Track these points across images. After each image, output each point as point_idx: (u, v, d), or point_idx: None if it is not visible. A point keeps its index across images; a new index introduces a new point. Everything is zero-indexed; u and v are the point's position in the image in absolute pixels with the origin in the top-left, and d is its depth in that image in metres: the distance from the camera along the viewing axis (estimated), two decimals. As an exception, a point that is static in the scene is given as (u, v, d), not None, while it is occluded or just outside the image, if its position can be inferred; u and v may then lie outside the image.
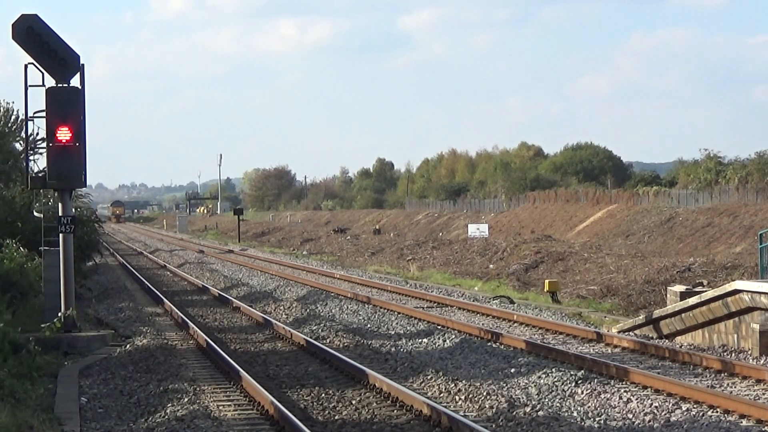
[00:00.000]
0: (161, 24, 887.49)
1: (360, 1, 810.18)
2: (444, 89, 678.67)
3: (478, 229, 72.48)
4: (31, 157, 33.73)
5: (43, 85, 24.52)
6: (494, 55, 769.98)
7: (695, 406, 16.48)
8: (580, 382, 18.20)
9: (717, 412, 16.10)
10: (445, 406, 16.75)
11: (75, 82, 24.73)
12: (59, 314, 24.47)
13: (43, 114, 24.58)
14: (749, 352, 21.68)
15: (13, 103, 40.01)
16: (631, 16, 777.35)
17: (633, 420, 15.62)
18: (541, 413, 16.04)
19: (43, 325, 23.42)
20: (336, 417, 16.61)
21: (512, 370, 19.85)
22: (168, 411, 16.77)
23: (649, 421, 15.46)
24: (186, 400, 17.50)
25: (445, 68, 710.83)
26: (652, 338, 24.43)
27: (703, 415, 15.79)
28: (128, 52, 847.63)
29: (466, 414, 16.55)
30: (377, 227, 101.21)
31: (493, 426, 15.66)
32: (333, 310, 31.80)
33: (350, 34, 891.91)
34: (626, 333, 25.23)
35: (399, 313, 30.56)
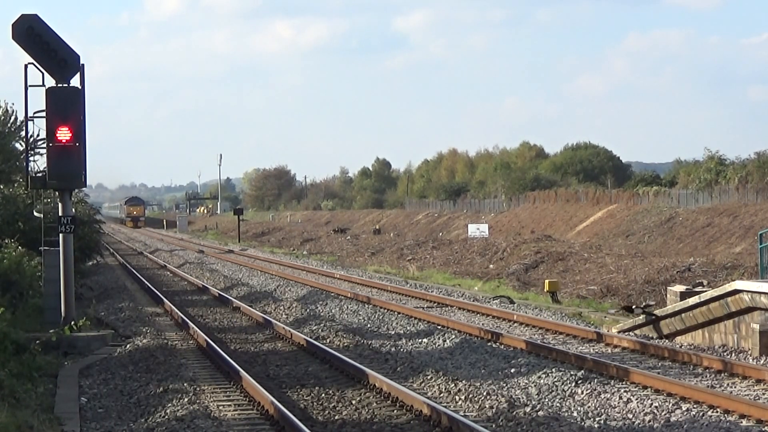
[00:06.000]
0: (157, 25, 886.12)
1: (356, 2, 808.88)
2: (442, 89, 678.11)
3: (478, 229, 72.50)
4: (31, 157, 33.73)
5: (43, 85, 24.53)
6: (491, 56, 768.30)
7: (695, 406, 16.48)
8: (580, 382, 18.20)
9: (717, 412, 16.10)
10: (445, 406, 16.75)
11: (75, 82, 24.76)
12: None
13: (43, 114, 24.59)
14: (749, 352, 21.69)
15: (13, 104, 40.03)
16: (626, 17, 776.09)
17: (633, 420, 15.62)
18: (541, 413, 16.04)
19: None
20: (336, 417, 16.62)
21: (512, 370, 19.85)
22: (168, 411, 16.77)
23: (649, 421, 15.46)
24: (186, 400, 17.50)
25: (442, 68, 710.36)
26: (652, 338, 24.44)
27: (703, 415, 15.79)
28: (126, 53, 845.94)
29: (466, 414, 16.55)
30: (377, 227, 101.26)
31: (493, 426, 15.66)
32: (333, 310, 31.80)
33: (347, 35, 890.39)
34: (626, 333, 25.23)
35: (399, 313, 30.56)
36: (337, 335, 25.72)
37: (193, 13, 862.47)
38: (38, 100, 24.74)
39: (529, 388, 18.34)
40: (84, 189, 38.01)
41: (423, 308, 31.91)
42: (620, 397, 16.94)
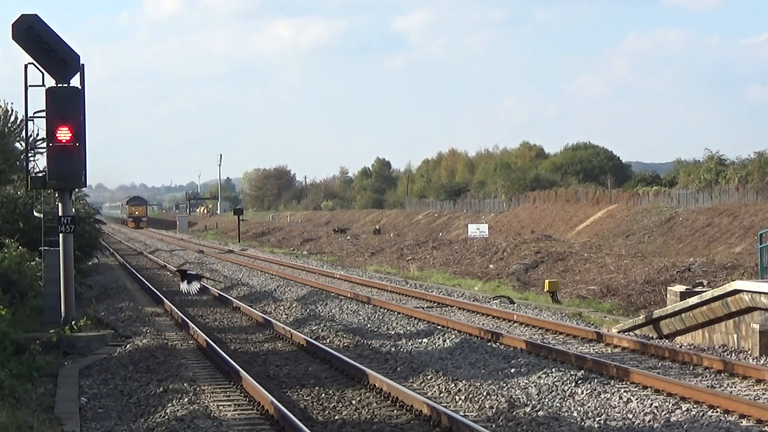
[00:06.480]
0: (156, 25, 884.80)
1: (356, 2, 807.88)
2: (441, 89, 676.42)
3: (478, 229, 72.53)
4: (31, 157, 33.76)
5: (43, 85, 24.54)
6: (491, 56, 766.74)
7: (695, 406, 16.48)
8: (580, 382, 18.20)
9: (717, 412, 16.10)
10: (445, 406, 16.75)
11: (75, 82, 24.76)
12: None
13: (43, 114, 24.60)
14: (749, 352, 21.69)
15: (13, 104, 40.08)
16: (626, 17, 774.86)
17: (633, 420, 15.62)
18: (541, 413, 16.04)
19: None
20: (336, 417, 16.62)
21: (512, 370, 19.85)
22: (168, 411, 16.77)
23: (649, 421, 15.46)
24: (186, 400, 17.50)
25: (442, 69, 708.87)
26: (652, 338, 24.44)
27: (703, 415, 15.80)
28: (125, 53, 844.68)
29: (466, 414, 16.55)
30: (377, 227, 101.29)
31: (493, 426, 15.66)
32: (333, 310, 31.80)
33: (346, 35, 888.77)
34: (626, 333, 25.23)
35: (399, 313, 30.56)
36: (337, 335, 25.72)
37: (193, 13, 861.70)
38: (38, 100, 24.75)
39: (529, 388, 18.34)
40: (84, 189, 38.00)
41: (423, 308, 31.91)
42: (620, 397, 16.94)
